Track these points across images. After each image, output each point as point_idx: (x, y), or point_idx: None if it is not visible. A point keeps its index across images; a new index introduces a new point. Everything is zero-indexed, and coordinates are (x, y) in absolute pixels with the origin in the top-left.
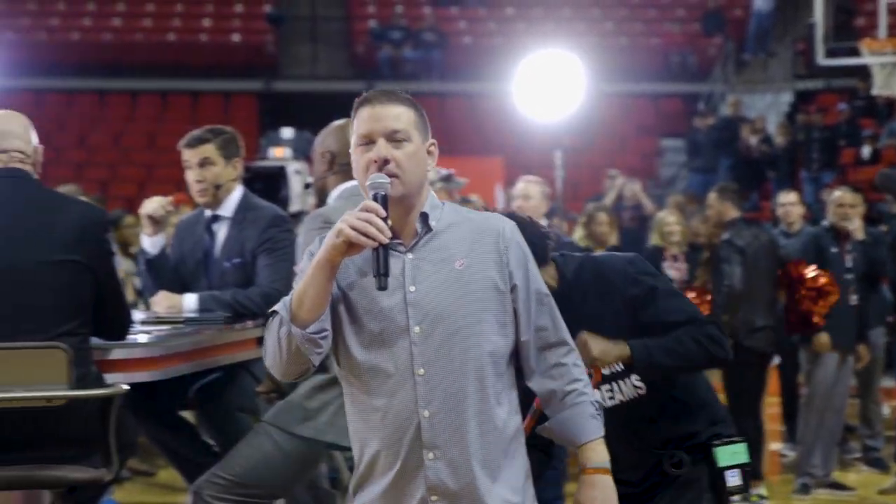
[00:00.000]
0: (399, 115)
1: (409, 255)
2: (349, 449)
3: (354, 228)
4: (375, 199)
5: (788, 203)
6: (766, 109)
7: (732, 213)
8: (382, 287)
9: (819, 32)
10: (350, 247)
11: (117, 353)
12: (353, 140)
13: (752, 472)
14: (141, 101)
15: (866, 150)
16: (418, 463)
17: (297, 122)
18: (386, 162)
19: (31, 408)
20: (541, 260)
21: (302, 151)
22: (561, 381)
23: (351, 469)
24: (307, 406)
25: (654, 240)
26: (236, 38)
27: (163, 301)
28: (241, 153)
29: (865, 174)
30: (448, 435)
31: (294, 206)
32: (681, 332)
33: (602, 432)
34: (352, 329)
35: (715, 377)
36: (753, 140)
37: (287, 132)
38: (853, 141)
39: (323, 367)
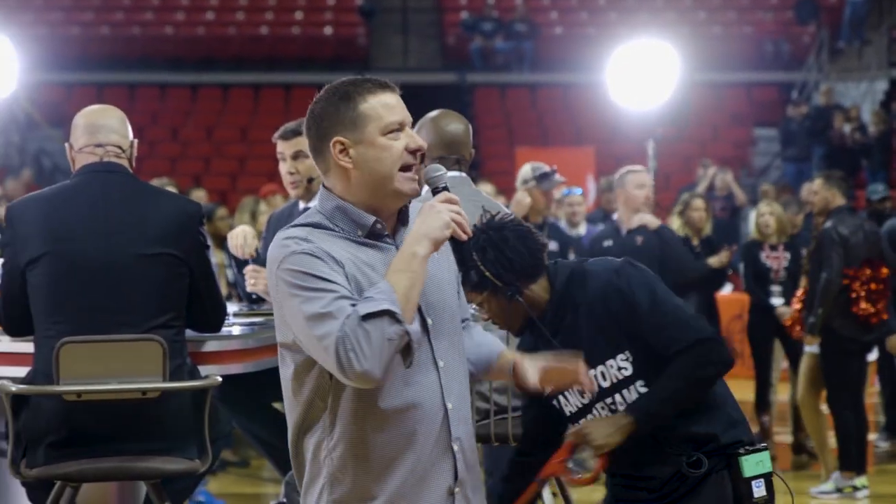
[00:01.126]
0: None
1: (395, 249)
2: None
3: (456, 223)
4: (437, 191)
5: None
6: (861, 98)
7: (839, 200)
8: (469, 278)
9: None
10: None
11: (211, 346)
12: (379, 125)
13: (854, 463)
14: (233, 94)
15: None
16: (447, 454)
17: None
18: (421, 151)
19: (127, 400)
20: (533, 273)
21: None
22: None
23: None
24: None
25: (753, 232)
26: (328, 30)
27: (262, 280)
28: None
29: None
30: (464, 426)
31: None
32: (671, 373)
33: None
34: None
35: (812, 370)
36: (847, 129)
37: None
38: None
39: None
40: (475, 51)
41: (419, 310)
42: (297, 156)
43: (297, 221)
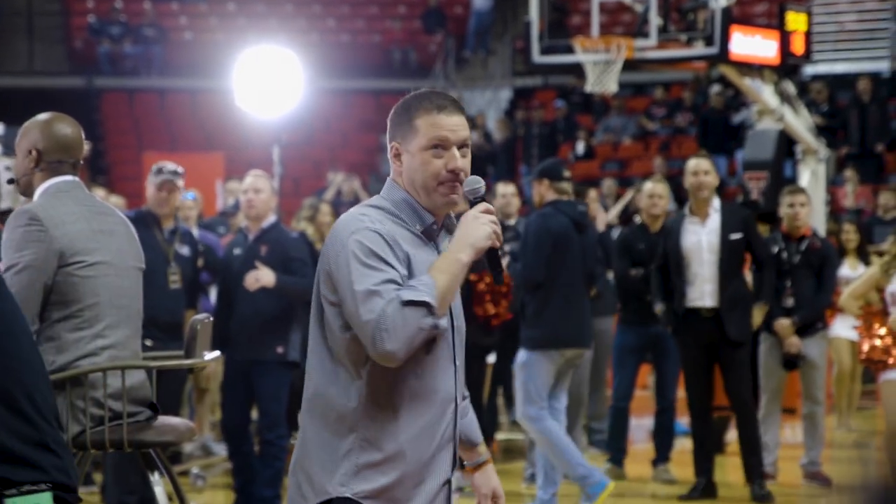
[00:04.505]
0: (465, 125)
1: (436, 251)
2: None
3: (495, 233)
4: (476, 201)
5: (509, 193)
6: (487, 106)
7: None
8: (500, 281)
9: (535, 30)
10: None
11: None
12: (423, 141)
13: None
14: None
15: (581, 146)
16: (449, 447)
17: (14, 118)
18: (462, 172)
19: None
20: None
21: (13, 148)
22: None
23: None
24: None
25: None
26: None
27: None
28: None
29: (581, 169)
30: (460, 423)
31: (3, 203)
32: None
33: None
34: None
35: None
36: (473, 136)
37: None
38: (569, 136)
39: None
40: (103, 55)
41: (449, 311)
42: None
43: (369, 202)
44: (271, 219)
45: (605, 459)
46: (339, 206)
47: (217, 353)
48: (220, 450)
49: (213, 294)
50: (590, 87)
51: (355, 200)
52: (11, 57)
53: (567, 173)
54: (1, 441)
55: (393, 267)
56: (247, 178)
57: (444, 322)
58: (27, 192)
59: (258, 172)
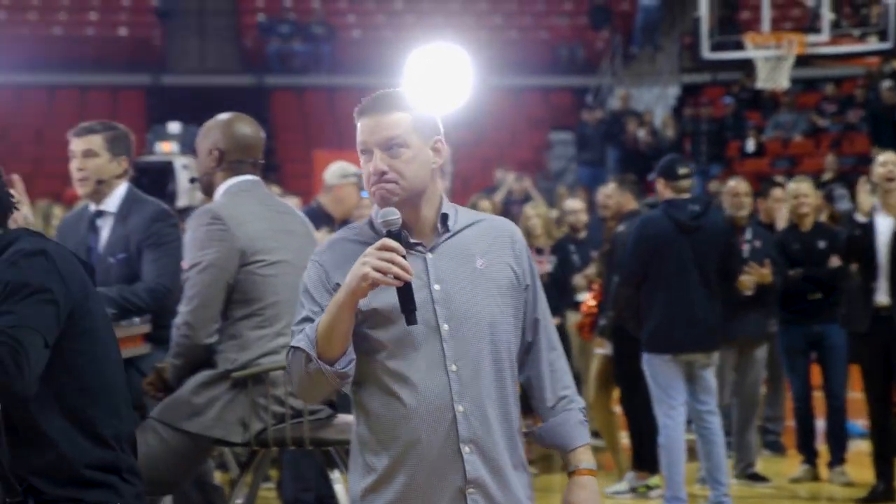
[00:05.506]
0: (395, 123)
1: (430, 255)
2: (237, 444)
3: (379, 270)
4: (390, 235)
5: (578, 209)
6: (654, 103)
7: (632, 204)
8: (412, 322)
9: (704, 26)
10: (374, 287)
11: None
12: (358, 146)
13: (648, 463)
14: (27, 95)
15: (751, 143)
16: (455, 457)
17: (185, 116)
18: (383, 173)
19: None
20: None
21: (189, 146)
22: (556, 385)
23: (241, 465)
24: (194, 402)
25: None
26: (123, 31)
27: None
28: (130, 153)
29: (751, 166)
30: (481, 430)
31: (181, 201)
32: None
33: (588, 438)
34: (376, 332)
35: (603, 371)
36: (641, 133)
37: (174, 127)
38: (738, 133)
39: (209, 363)
40: (272, 53)
41: (435, 316)
42: (86, 154)
43: (354, 224)
44: None
45: (801, 461)
46: (510, 205)
47: None
48: None
49: None
50: (761, 83)
51: (526, 199)
52: (184, 56)
53: (684, 170)
54: (75, 464)
55: (314, 301)
56: None
57: (327, 367)
58: (208, 191)
59: None
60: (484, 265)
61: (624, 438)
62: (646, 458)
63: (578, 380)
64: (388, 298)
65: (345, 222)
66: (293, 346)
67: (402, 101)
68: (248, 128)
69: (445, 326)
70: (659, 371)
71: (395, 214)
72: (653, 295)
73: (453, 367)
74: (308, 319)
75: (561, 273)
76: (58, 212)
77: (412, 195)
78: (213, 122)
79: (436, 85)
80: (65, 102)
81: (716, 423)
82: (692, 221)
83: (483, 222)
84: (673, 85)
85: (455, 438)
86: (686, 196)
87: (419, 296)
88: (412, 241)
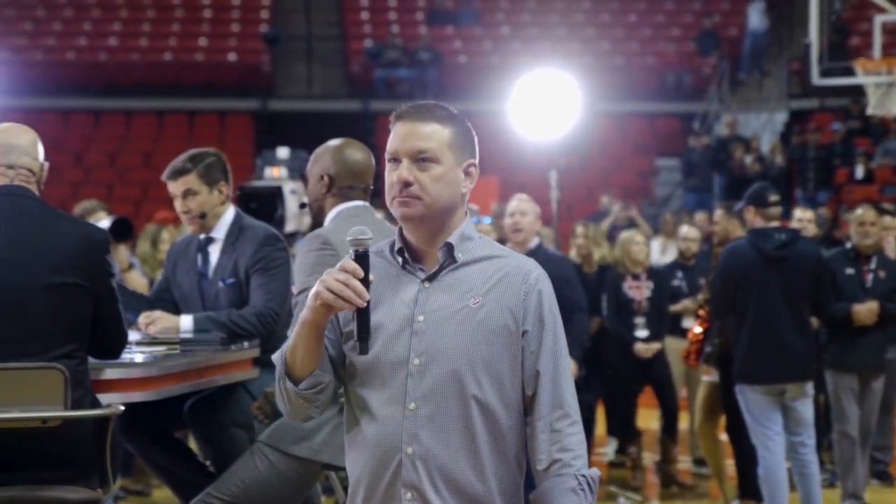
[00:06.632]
0: (430, 135)
1: (426, 284)
2: (344, 469)
3: (331, 291)
4: (357, 256)
5: (806, 219)
6: (761, 128)
7: (738, 230)
8: (363, 352)
9: (814, 52)
10: (331, 308)
11: (112, 373)
12: (387, 155)
13: (754, 492)
14: (136, 120)
15: (860, 170)
16: (395, 501)
17: (293, 141)
18: (407, 185)
19: (28, 428)
20: None
21: (298, 171)
22: (552, 447)
23: (346, 489)
24: (303, 426)
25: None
26: (232, 57)
27: (158, 322)
28: (228, 175)
29: (859, 193)
30: (428, 478)
31: (290, 226)
32: None
33: None
34: (352, 355)
35: (709, 399)
36: (747, 159)
37: (283, 152)
38: (847, 160)
39: None
40: (379, 79)
41: (409, 348)
42: (185, 194)
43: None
44: (535, 241)
45: None
46: (615, 231)
47: None
48: None
49: None
50: (871, 109)
51: (630, 225)
52: (292, 81)
53: (774, 197)
54: None
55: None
56: (512, 202)
57: (291, 385)
58: (318, 216)
59: (523, 196)
60: (478, 304)
61: (731, 466)
62: (751, 486)
63: (676, 407)
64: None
65: None
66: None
67: (443, 114)
68: (358, 154)
69: (416, 361)
70: (752, 401)
71: (367, 234)
72: (741, 325)
73: (411, 406)
74: None
75: (659, 299)
76: (166, 235)
77: (433, 214)
78: (323, 148)
79: (543, 111)
80: (174, 127)
81: (809, 454)
82: (777, 251)
83: (497, 259)
84: (781, 111)
85: (398, 482)
86: (775, 224)
87: (400, 324)
88: (415, 265)
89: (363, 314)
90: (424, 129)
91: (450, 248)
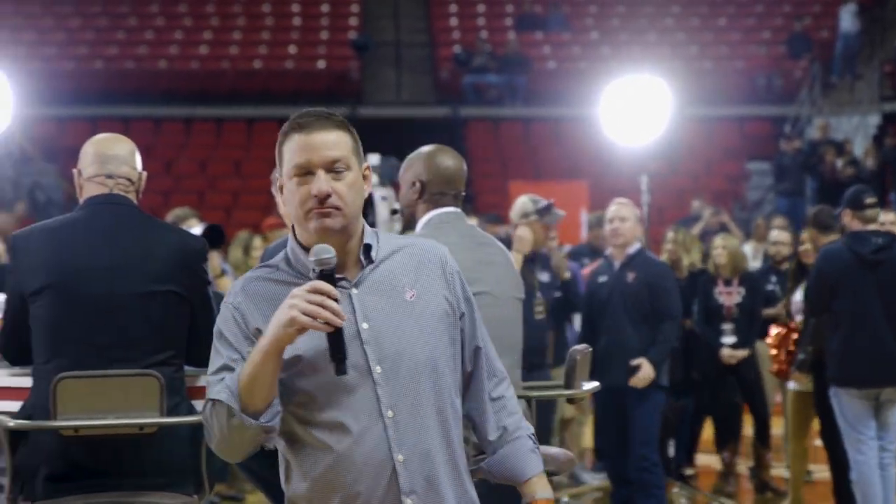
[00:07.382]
0: (338, 142)
1: (355, 290)
2: None
3: (307, 314)
4: (321, 276)
5: (889, 222)
6: (854, 132)
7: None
8: (342, 372)
9: None
10: (301, 332)
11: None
12: (286, 169)
13: (849, 498)
14: (226, 128)
15: None
16: None
17: (383, 148)
18: (327, 196)
19: (124, 435)
20: None
21: (388, 177)
22: (500, 415)
23: None
24: None
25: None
26: (321, 64)
27: None
28: None
29: None
30: (423, 478)
31: None
32: None
33: (542, 466)
34: (301, 381)
35: (800, 406)
36: (839, 163)
37: (373, 158)
38: None
39: None
40: (468, 85)
41: (365, 358)
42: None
43: (269, 261)
44: (636, 246)
45: None
46: (707, 235)
47: (596, 383)
48: (590, 478)
49: (576, 321)
50: None
51: (722, 229)
52: (381, 88)
53: (870, 200)
54: None
55: (233, 349)
56: (611, 207)
57: (252, 421)
58: (410, 223)
59: (623, 201)
60: (414, 296)
61: (825, 472)
62: (845, 492)
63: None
64: (312, 343)
65: (532, 257)
66: (212, 399)
67: (340, 121)
68: (450, 160)
69: (378, 369)
70: (846, 405)
71: (330, 253)
72: (836, 328)
73: (389, 413)
74: (227, 368)
75: (751, 304)
76: (258, 242)
77: (349, 223)
78: (415, 154)
79: (633, 116)
80: (263, 135)
81: (889, 459)
82: (874, 255)
83: (407, 248)
84: (873, 114)
85: (396, 491)
86: (873, 227)
87: (347, 337)
88: (337, 276)
89: (338, 334)
90: (331, 137)
91: (368, 248)
